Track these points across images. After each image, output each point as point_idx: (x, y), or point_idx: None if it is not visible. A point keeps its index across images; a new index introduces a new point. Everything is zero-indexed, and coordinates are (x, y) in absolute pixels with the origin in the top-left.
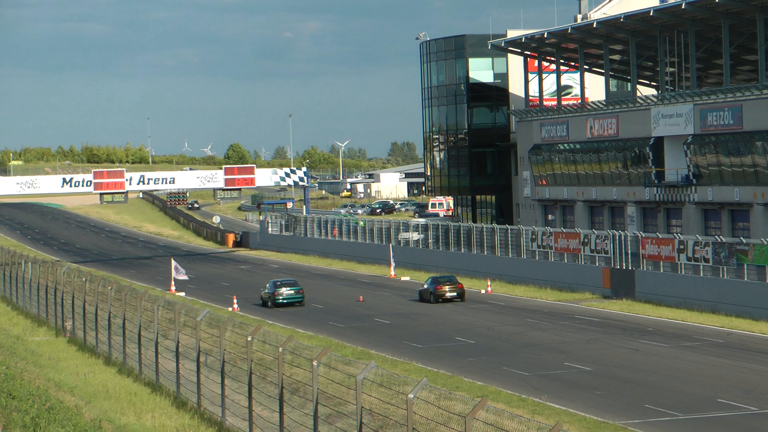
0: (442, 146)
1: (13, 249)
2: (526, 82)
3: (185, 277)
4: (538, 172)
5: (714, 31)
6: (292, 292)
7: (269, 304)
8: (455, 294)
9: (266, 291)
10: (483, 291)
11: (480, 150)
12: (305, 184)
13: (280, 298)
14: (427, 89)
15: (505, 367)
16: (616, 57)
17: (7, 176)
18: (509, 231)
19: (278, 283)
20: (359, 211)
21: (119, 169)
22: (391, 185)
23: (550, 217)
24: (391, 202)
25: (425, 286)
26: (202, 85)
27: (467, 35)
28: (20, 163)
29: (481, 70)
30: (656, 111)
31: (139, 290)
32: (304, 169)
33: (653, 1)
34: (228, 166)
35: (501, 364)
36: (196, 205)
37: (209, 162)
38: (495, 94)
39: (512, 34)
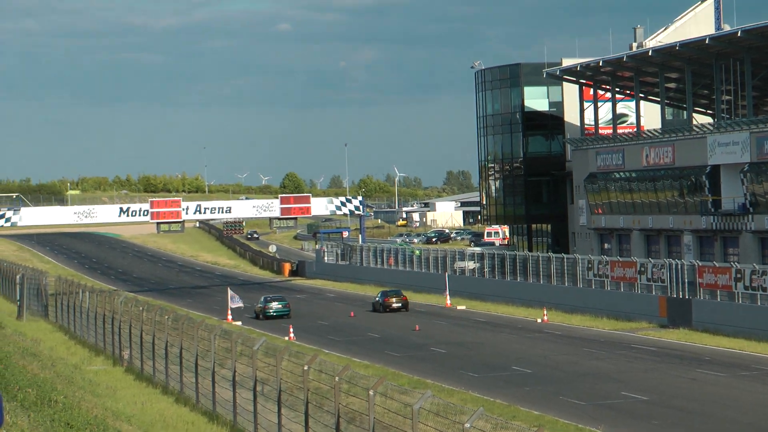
0: (497, 175)
1: (70, 278)
2: (582, 110)
3: (241, 305)
4: (593, 200)
5: None
6: (280, 306)
7: (261, 316)
8: (400, 305)
9: (259, 305)
10: (539, 320)
11: (535, 178)
12: (361, 213)
13: (270, 311)
14: (482, 118)
15: (561, 396)
16: (672, 85)
17: (65, 206)
18: (565, 260)
19: (268, 298)
20: (415, 240)
21: (176, 198)
22: (447, 214)
23: (606, 245)
24: (447, 230)
25: (377, 299)
26: (258, 114)
27: (522, 64)
28: (78, 192)
29: (536, 99)
30: (712, 139)
31: (195, 319)
32: (360, 198)
33: (709, 28)
34: (284, 195)
35: (557, 394)
36: (255, 235)
37: (265, 191)
38: (550, 122)
39: (567, 62)
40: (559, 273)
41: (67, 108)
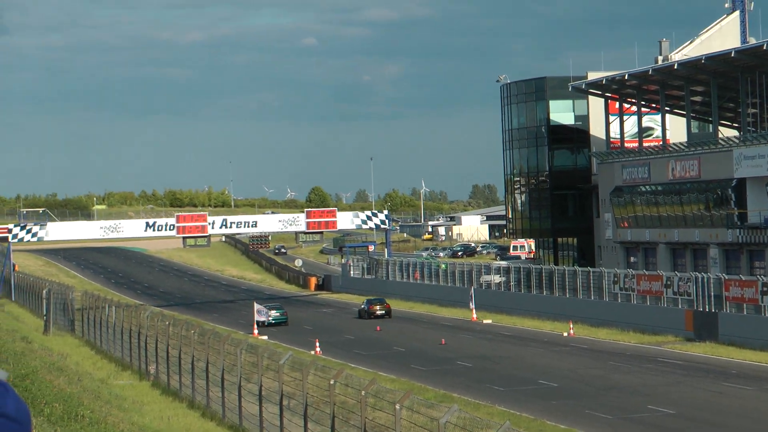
0: (523, 188)
1: (97, 293)
2: (607, 123)
3: (266, 318)
4: (619, 214)
5: None
6: (279, 314)
7: (259, 324)
8: (384, 312)
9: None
10: (565, 334)
11: (561, 192)
12: (387, 227)
13: (270, 318)
14: (507, 131)
15: (588, 410)
16: (698, 98)
17: (91, 220)
18: (591, 273)
19: (268, 306)
20: (441, 254)
21: (202, 213)
22: (473, 228)
23: (632, 259)
24: (473, 244)
25: (363, 306)
26: (283, 128)
27: (548, 77)
28: (104, 207)
29: (561, 112)
30: (738, 152)
31: (222, 334)
32: (386, 212)
33: (735, 41)
34: (310, 209)
35: (584, 407)
36: (282, 250)
37: (291, 205)
38: (576, 136)
39: (593, 76)
40: (585, 287)
41: (92, 122)
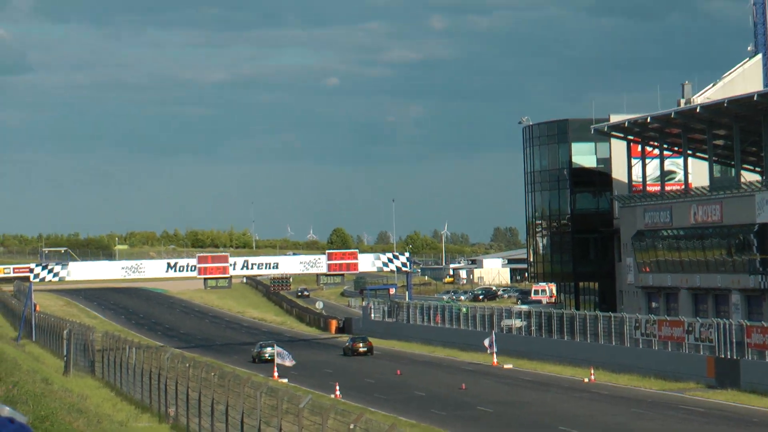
0: (545, 231)
1: (117, 334)
2: (629, 167)
3: (291, 363)
4: (641, 258)
5: None
6: (273, 351)
7: (256, 360)
8: (366, 349)
9: (255, 350)
10: (586, 379)
11: (583, 235)
12: (408, 269)
13: (265, 355)
14: (529, 174)
15: None
16: (720, 142)
17: (112, 260)
18: (612, 318)
19: (263, 344)
20: (462, 298)
21: (223, 254)
22: (494, 271)
23: (653, 304)
24: (494, 288)
25: (347, 344)
26: (305, 168)
27: (570, 119)
28: (125, 247)
29: (584, 155)
30: (760, 197)
31: (242, 376)
32: (407, 254)
33: (757, 85)
34: (331, 251)
35: None
36: (305, 293)
37: (312, 246)
38: (598, 179)
39: (615, 118)
40: (607, 332)
41: (115, 161)
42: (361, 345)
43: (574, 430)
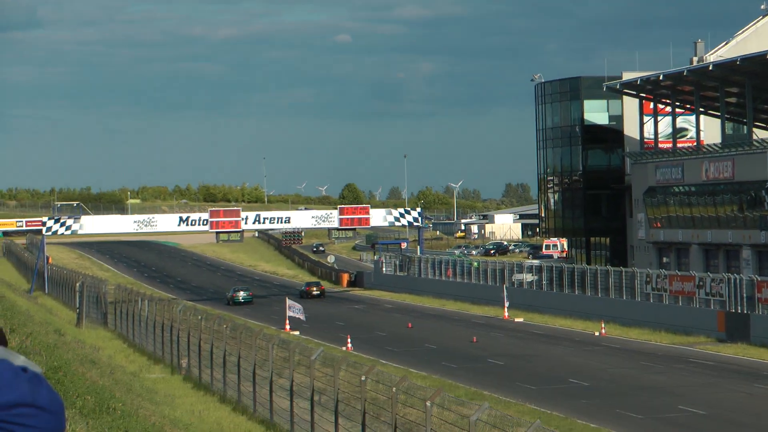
0: (556, 188)
1: (130, 286)
2: (642, 124)
3: (302, 317)
4: (652, 214)
5: None
6: (246, 294)
7: (230, 303)
8: (319, 293)
9: (229, 294)
10: (597, 333)
11: (594, 192)
12: (419, 224)
13: (238, 298)
14: (541, 131)
15: (618, 409)
16: (732, 99)
17: (125, 214)
18: (623, 273)
19: (236, 288)
20: (473, 252)
21: (235, 208)
22: (505, 226)
23: (664, 259)
24: (505, 243)
25: (302, 288)
26: (317, 124)
27: (582, 77)
28: (138, 201)
29: (596, 112)
30: None
31: (254, 329)
32: (419, 209)
33: None
34: (343, 206)
35: (614, 407)
36: (321, 248)
37: (324, 202)
38: (610, 136)
39: (627, 76)
40: (618, 286)
41: (126, 117)
42: (314, 289)
43: (584, 383)
